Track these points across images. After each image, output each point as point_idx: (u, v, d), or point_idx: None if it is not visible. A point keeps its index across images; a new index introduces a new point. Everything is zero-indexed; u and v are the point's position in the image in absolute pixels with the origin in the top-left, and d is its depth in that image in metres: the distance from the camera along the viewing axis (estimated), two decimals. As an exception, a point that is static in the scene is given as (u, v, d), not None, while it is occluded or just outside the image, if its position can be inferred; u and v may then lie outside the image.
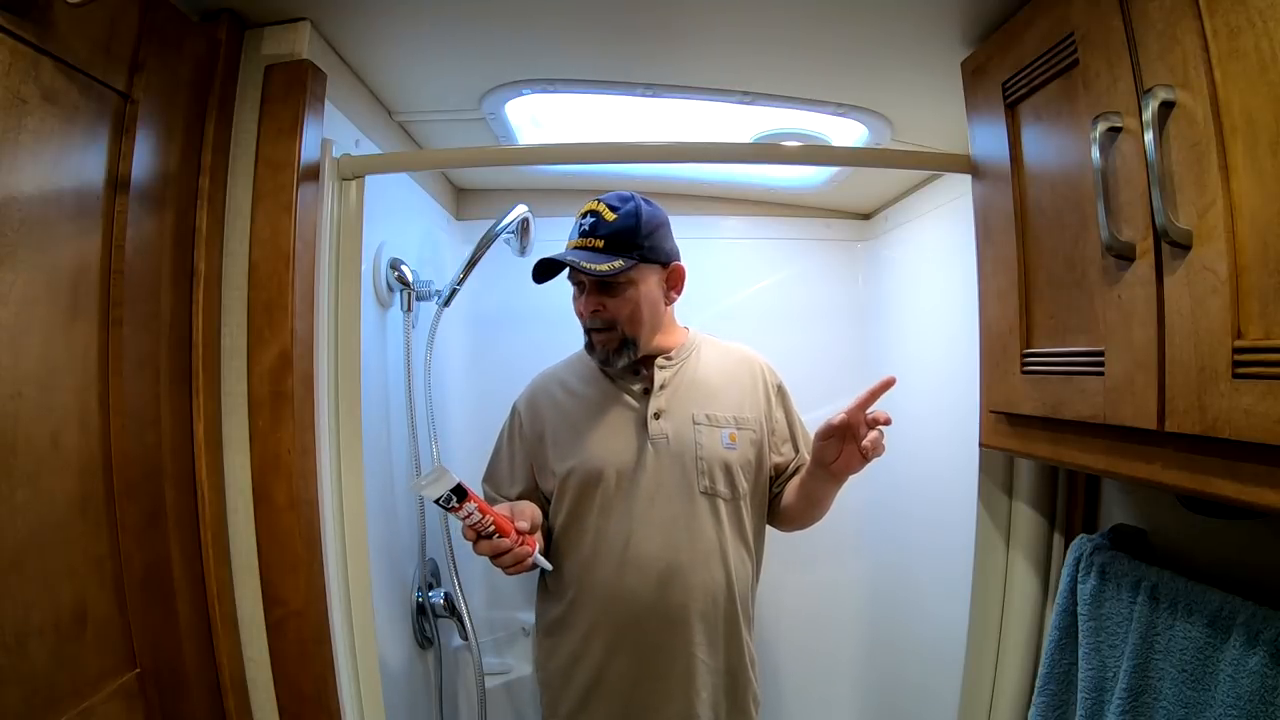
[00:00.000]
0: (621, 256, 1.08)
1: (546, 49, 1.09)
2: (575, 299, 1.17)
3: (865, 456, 1.00)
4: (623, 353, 1.14)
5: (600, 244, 1.08)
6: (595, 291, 1.12)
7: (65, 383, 0.68)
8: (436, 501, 0.91)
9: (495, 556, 0.99)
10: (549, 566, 1.08)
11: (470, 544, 0.98)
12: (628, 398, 1.17)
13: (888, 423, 0.99)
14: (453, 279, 1.34)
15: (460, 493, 0.92)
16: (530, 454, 1.21)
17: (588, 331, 1.16)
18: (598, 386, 1.20)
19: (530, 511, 1.07)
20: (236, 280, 0.91)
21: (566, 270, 1.12)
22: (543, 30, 1.03)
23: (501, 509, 1.03)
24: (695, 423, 1.15)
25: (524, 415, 1.23)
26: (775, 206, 1.83)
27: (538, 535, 1.07)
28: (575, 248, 1.11)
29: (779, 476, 1.24)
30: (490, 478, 1.26)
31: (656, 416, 1.14)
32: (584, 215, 1.12)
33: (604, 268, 1.07)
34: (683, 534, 1.11)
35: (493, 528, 0.96)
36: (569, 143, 1.43)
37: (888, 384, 0.99)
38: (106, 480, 0.72)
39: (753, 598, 1.21)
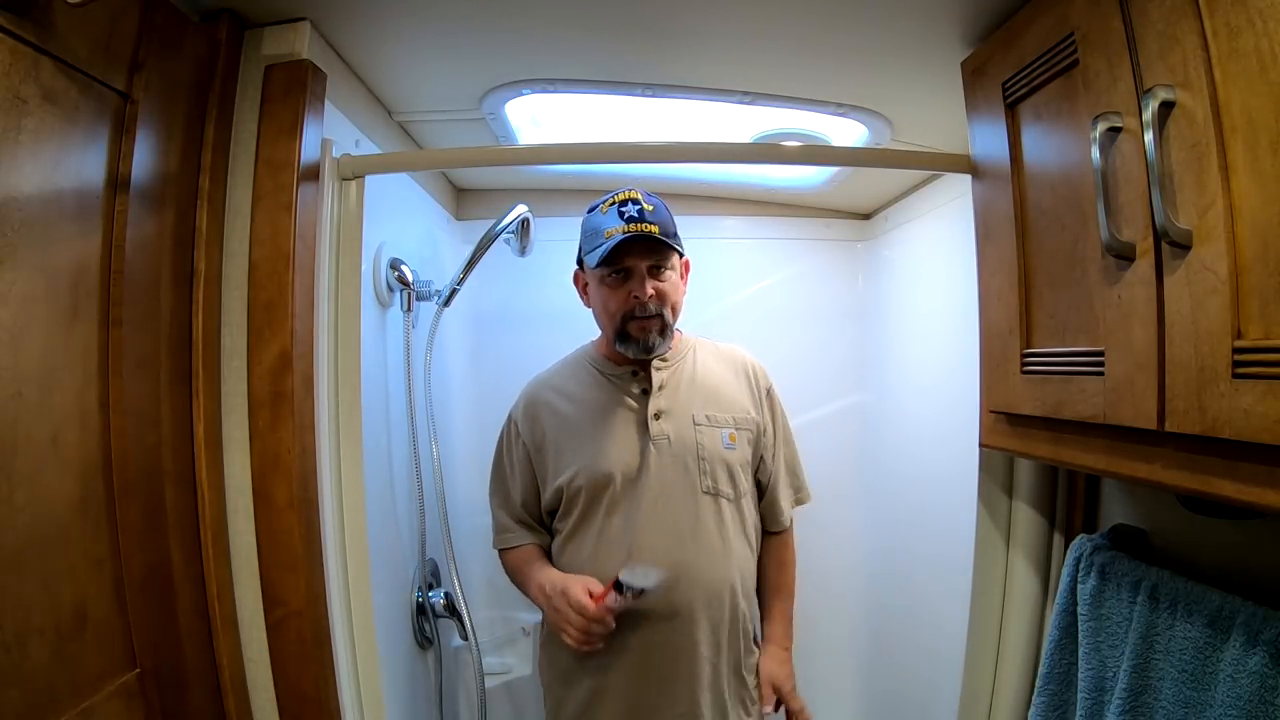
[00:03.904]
0: (672, 240, 1.11)
1: (546, 49, 1.09)
2: (613, 289, 1.13)
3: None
4: (664, 337, 1.14)
5: (655, 229, 1.08)
6: (650, 276, 1.12)
7: (65, 383, 0.68)
8: (630, 588, 0.99)
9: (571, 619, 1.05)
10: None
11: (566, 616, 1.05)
12: (628, 400, 1.17)
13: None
14: (453, 279, 1.34)
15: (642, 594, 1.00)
16: (531, 463, 1.20)
17: (631, 320, 1.12)
18: (596, 390, 1.19)
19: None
20: (236, 280, 0.91)
21: (600, 256, 1.09)
22: (543, 30, 1.03)
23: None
24: (696, 423, 1.15)
25: (521, 425, 1.21)
26: (775, 206, 1.83)
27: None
28: (630, 232, 1.07)
29: (764, 481, 1.24)
30: (497, 493, 1.24)
31: (657, 417, 1.14)
32: (623, 203, 1.11)
33: (679, 248, 1.12)
34: (688, 534, 1.11)
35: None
36: (569, 143, 1.43)
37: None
38: (106, 480, 0.72)
39: (755, 595, 1.21)
